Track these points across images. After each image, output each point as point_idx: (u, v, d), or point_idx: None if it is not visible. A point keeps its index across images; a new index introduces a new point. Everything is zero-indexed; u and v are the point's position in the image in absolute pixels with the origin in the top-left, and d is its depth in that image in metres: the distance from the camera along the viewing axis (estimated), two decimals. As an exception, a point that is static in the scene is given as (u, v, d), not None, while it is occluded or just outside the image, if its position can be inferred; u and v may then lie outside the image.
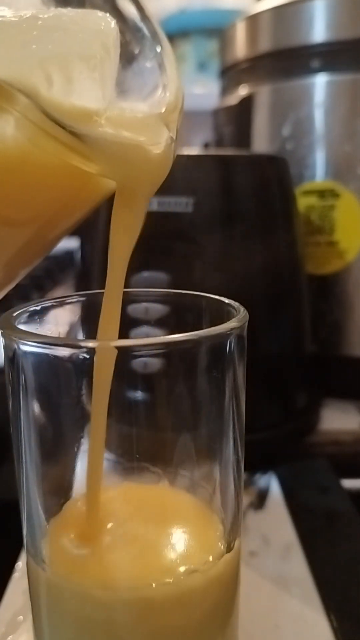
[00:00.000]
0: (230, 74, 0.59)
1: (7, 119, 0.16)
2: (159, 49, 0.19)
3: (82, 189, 0.19)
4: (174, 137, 0.19)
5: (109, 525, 0.22)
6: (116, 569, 0.21)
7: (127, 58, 0.19)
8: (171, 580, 0.20)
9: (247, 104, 0.54)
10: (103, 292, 0.22)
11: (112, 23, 0.18)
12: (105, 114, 0.17)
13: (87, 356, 0.20)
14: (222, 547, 0.22)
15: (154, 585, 0.20)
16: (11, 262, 0.21)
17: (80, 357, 0.20)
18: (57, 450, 0.23)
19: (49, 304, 0.24)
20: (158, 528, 0.23)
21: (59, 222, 0.20)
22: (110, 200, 0.21)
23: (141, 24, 0.19)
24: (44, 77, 0.16)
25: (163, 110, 0.19)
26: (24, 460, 0.22)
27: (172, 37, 1.29)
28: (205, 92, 0.98)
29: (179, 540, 0.22)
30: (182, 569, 0.21)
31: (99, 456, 0.22)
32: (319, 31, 0.49)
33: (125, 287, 0.22)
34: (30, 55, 0.16)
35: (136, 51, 0.19)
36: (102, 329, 0.22)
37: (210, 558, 0.21)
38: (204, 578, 0.21)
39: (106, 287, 0.22)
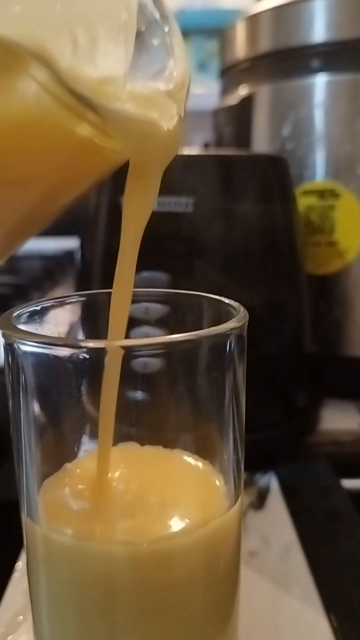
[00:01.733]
0: (230, 74, 0.59)
1: (23, 83, 0.16)
2: (166, 29, 0.19)
3: (90, 160, 0.19)
4: (182, 115, 0.19)
5: (108, 483, 0.22)
6: (112, 523, 0.21)
7: (136, 35, 0.19)
8: (169, 536, 0.20)
9: (247, 104, 0.54)
10: (103, 292, 0.22)
11: None
12: (124, 86, 0.17)
13: (87, 356, 0.20)
14: (224, 502, 0.22)
15: (150, 540, 0.20)
16: (16, 228, 0.20)
17: (80, 357, 0.20)
18: (57, 450, 0.23)
19: (49, 304, 0.24)
20: (157, 486, 0.23)
21: (65, 190, 0.20)
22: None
23: (150, 2, 0.19)
24: (69, 38, 0.16)
25: (171, 87, 0.19)
26: (24, 460, 0.22)
27: (172, 37, 1.29)
28: (205, 92, 0.98)
29: (179, 497, 0.22)
30: (181, 525, 0.21)
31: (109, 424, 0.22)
32: (319, 31, 0.49)
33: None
34: (54, 16, 0.16)
35: (144, 29, 0.19)
36: (113, 318, 0.22)
37: (211, 515, 0.21)
38: (202, 535, 0.21)
39: (116, 274, 0.22)
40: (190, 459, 0.24)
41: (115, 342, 0.20)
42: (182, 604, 0.21)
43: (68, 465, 0.23)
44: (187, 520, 0.21)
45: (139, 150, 0.19)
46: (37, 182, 0.19)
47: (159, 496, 0.22)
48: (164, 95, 0.19)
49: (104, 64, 0.17)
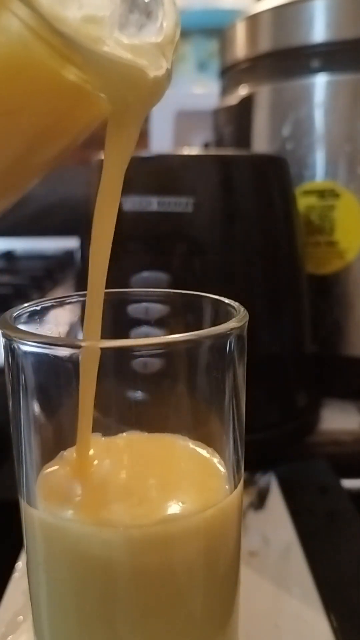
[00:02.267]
0: (230, 74, 0.59)
1: (5, 20, 0.16)
2: None
3: (75, 106, 0.19)
4: (170, 69, 0.19)
5: (107, 468, 0.22)
6: (111, 507, 0.21)
7: None
8: (168, 520, 0.20)
9: (247, 104, 0.54)
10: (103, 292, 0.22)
11: None
12: (111, 30, 0.17)
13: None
14: (224, 488, 0.22)
15: (149, 523, 0.20)
16: (4, 175, 0.20)
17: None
18: (56, 450, 0.23)
19: (49, 304, 0.24)
20: (158, 471, 0.23)
21: (49, 141, 0.20)
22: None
23: None
24: None
25: (160, 40, 0.19)
26: (23, 461, 0.22)
27: (172, 37, 1.29)
28: (205, 92, 0.98)
29: (178, 483, 0.22)
30: (180, 510, 0.21)
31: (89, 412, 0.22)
32: (319, 31, 0.49)
33: (125, 287, 0.22)
34: None
35: None
36: (89, 301, 0.22)
37: (212, 499, 0.21)
38: (201, 520, 0.21)
39: (91, 248, 0.21)
40: (191, 446, 0.23)
41: (115, 342, 0.20)
42: (180, 592, 0.21)
43: (65, 453, 0.23)
44: (186, 505, 0.21)
45: (122, 97, 0.19)
46: (20, 122, 0.18)
47: (159, 482, 0.22)
48: (153, 46, 0.19)
49: (89, 2, 0.17)
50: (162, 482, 0.22)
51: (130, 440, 0.24)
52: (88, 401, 0.22)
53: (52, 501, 0.21)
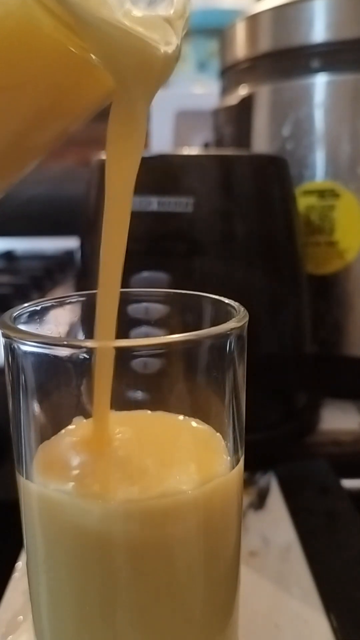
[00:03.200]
0: (230, 74, 0.59)
1: None
2: None
3: (80, 80, 0.18)
4: (179, 45, 0.19)
5: (107, 443, 0.22)
6: (110, 481, 0.21)
7: None
8: (166, 494, 0.20)
9: (247, 104, 0.54)
10: (97, 293, 0.22)
11: None
12: (121, 4, 0.17)
13: (87, 356, 0.20)
14: (225, 466, 0.22)
15: (148, 497, 0.20)
16: (7, 152, 0.19)
17: (80, 357, 0.20)
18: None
19: (49, 304, 0.24)
20: (159, 447, 0.23)
21: (52, 118, 0.19)
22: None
23: None
24: None
25: (171, 13, 0.19)
26: (23, 461, 0.22)
27: (172, 37, 1.29)
28: (205, 92, 0.98)
29: (178, 458, 0.22)
30: (179, 484, 0.21)
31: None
32: (319, 31, 0.49)
33: (125, 287, 0.22)
34: None
35: None
36: (100, 310, 0.21)
37: (211, 475, 0.21)
38: (201, 493, 0.21)
39: (101, 255, 0.21)
40: (193, 424, 0.23)
41: (115, 342, 0.20)
42: (179, 570, 0.21)
43: (63, 431, 0.23)
44: (185, 480, 0.21)
45: (130, 73, 0.18)
46: (23, 97, 0.18)
47: (159, 457, 0.22)
48: (163, 20, 0.18)
49: None
50: (162, 458, 0.22)
51: (131, 417, 0.24)
52: (105, 386, 0.21)
53: (50, 475, 0.21)
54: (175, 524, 0.20)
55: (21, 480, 0.22)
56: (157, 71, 0.19)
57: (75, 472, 0.22)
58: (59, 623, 0.22)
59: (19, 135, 0.19)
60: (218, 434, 0.23)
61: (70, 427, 0.23)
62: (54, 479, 0.21)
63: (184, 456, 0.23)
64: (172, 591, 0.21)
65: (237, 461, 0.22)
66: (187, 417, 0.23)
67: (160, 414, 0.24)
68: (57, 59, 0.17)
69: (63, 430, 0.23)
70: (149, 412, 0.24)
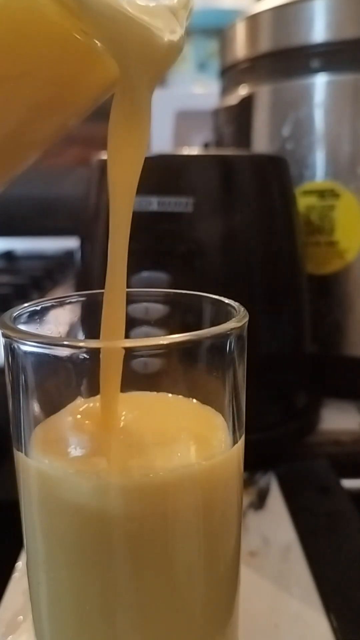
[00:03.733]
0: (230, 74, 0.59)
1: None
2: None
3: (85, 68, 0.18)
4: (183, 35, 0.19)
5: (107, 420, 0.22)
6: (110, 456, 0.21)
7: None
8: (167, 468, 0.20)
9: (247, 104, 0.54)
10: (103, 292, 0.22)
11: None
12: None
13: (87, 356, 0.20)
14: (224, 443, 0.22)
15: (148, 471, 0.20)
16: (11, 142, 0.19)
17: (80, 357, 0.20)
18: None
19: (49, 304, 0.24)
20: (159, 425, 0.23)
21: (56, 107, 0.19)
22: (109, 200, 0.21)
23: None
24: None
25: (175, 2, 0.19)
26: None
27: (172, 37, 1.29)
28: (205, 92, 0.98)
29: (180, 435, 0.22)
30: (180, 459, 0.21)
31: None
32: (319, 31, 0.49)
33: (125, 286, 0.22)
34: None
35: None
36: (107, 312, 0.21)
37: (211, 452, 0.21)
38: (200, 469, 0.20)
39: (109, 255, 0.21)
40: (194, 404, 0.23)
41: (115, 343, 0.20)
42: (178, 548, 0.21)
43: (63, 409, 0.23)
44: (184, 456, 0.21)
45: (135, 60, 0.18)
46: (28, 85, 0.18)
47: (159, 435, 0.22)
48: (166, 10, 0.19)
49: None
50: (162, 435, 0.22)
51: (132, 397, 0.24)
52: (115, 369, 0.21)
53: (49, 451, 0.21)
54: (174, 500, 0.20)
55: (20, 457, 0.22)
56: (161, 58, 0.19)
57: (75, 448, 0.22)
58: (59, 615, 0.22)
59: (22, 125, 0.19)
60: (219, 413, 0.23)
61: (70, 405, 0.23)
62: (53, 455, 0.21)
63: (185, 434, 0.22)
64: (172, 573, 0.21)
65: (238, 439, 0.22)
66: (188, 398, 0.23)
67: (161, 395, 0.23)
68: (61, 46, 0.17)
69: (63, 409, 0.23)
70: (151, 392, 0.24)
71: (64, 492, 0.20)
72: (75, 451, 0.22)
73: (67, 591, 0.21)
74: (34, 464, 0.21)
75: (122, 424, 0.22)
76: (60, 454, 0.21)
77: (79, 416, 0.23)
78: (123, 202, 0.21)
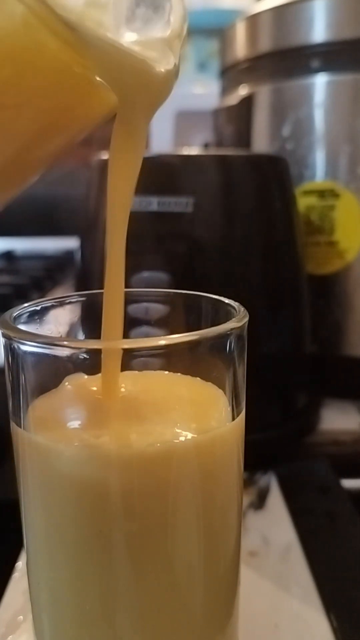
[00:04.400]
0: (230, 74, 0.59)
1: (10, 5, 0.16)
2: None
3: (83, 99, 0.19)
4: (177, 64, 0.19)
5: (107, 394, 0.22)
6: (109, 429, 0.21)
7: None
8: (166, 440, 0.20)
9: (247, 104, 0.54)
10: (103, 292, 0.22)
11: None
12: (114, 15, 0.17)
13: (87, 356, 0.20)
14: (225, 415, 0.22)
15: (146, 443, 0.20)
16: (9, 165, 0.20)
17: (80, 357, 0.20)
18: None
19: (49, 304, 0.24)
20: (159, 400, 0.23)
21: (53, 134, 0.20)
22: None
23: None
24: None
25: (168, 34, 0.19)
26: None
27: (172, 37, 1.29)
28: (205, 92, 0.98)
29: (179, 409, 0.22)
30: (179, 432, 0.20)
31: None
32: (319, 31, 0.49)
33: (125, 287, 0.22)
34: None
35: None
36: (107, 315, 0.21)
37: (212, 424, 0.21)
38: (199, 441, 0.20)
39: (107, 259, 0.21)
40: (194, 380, 0.23)
41: (115, 343, 0.20)
42: (177, 522, 0.20)
43: (61, 385, 0.23)
44: (183, 429, 0.21)
45: (131, 92, 0.19)
46: (26, 114, 0.18)
47: (159, 409, 0.22)
48: (160, 41, 0.19)
49: None
50: (161, 409, 0.22)
51: (132, 374, 0.23)
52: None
53: (47, 424, 0.21)
54: (175, 471, 0.20)
55: (17, 431, 0.21)
56: (157, 89, 0.19)
57: (73, 421, 0.22)
58: (59, 615, 0.22)
59: (22, 150, 0.20)
60: (220, 389, 0.23)
61: (69, 379, 0.23)
62: (51, 428, 0.21)
63: (184, 407, 0.22)
64: (172, 554, 0.21)
65: (238, 414, 0.22)
66: (189, 376, 0.23)
67: (161, 373, 0.23)
68: (61, 79, 0.18)
69: (61, 384, 0.23)
70: (151, 371, 0.24)
71: (63, 465, 0.20)
72: (75, 423, 0.21)
73: (66, 582, 0.21)
74: (33, 438, 0.21)
75: (121, 397, 0.22)
76: (58, 427, 0.21)
77: (79, 389, 0.22)
78: (120, 212, 0.22)
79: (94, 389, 0.22)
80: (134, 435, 0.20)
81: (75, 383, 0.22)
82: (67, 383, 0.22)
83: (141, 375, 0.23)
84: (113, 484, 0.20)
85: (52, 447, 0.20)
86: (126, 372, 0.22)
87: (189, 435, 0.20)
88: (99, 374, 0.21)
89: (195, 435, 0.20)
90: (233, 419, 0.22)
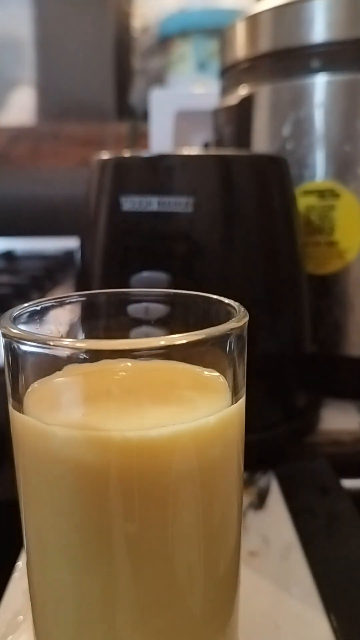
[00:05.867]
0: (230, 74, 0.59)
1: None
2: None
3: None
4: None
5: (107, 383, 0.22)
6: (108, 414, 0.21)
7: None
8: (165, 424, 0.20)
9: (247, 104, 0.54)
10: (103, 292, 0.22)
11: None
12: None
13: (87, 356, 0.20)
14: (226, 401, 0.22)
15: (146, 426, 0.20)
16: None
17: (80, 357, 0.20)
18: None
19: (49, 304, 0.24)
20: (159, 388, 0.22)
21: None
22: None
23: None
24: None
25: None
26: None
27: (172, 37, 1.29)
28: (205, 92, 0.98)
29: (179, 395, 0.22)
30: (179, 416, 0.20)
31: None
32: (319, 31, 0.49)
33: (125, 287, 0.22)
34: None
35: None
36: None
37: (212, 408, 0.21)
38: (199, 425, 0.20)
39: None
40: (192, 366, 0.23)
41: (115, 343, 0.20)
42: (178, 508, 0.20)
43: (61, 369, 0.23)
44: (183, 414, 0.21)
45: None
46: None
47: (159, 395, 0.22)
48: None
49: None
50: (161, 394, 0.22)
51: (132, 363, 0.24)
52: None
53: (47, 408, 0.21)
54: (175, 456, 0.20)
55: (16, 416, 0.21)
56: None
57: (73, 406, 0.21)
58: (59, 615, 0.22)
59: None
60: (221, 376, 0.23)
61: (69, 366, 0.23)
62: (50, 412, 0.21)
63: (184, 392, 0.22)
64: (171, 545, 0.21)
65: (238, 399, 0.22)
66: (190, 364, 0.23)
67: (162, 361, 0.24)
68: None
69: (61, 369, 0.22)
70: (151, 360, 0.24)
71: (63, 450, 0.20)
72: (73, 408, 0.21)
73: (66, 581, 0.21)
74: (30, 421, 0.21)
75: (121, 383, 0.22)
76: (57, 412, 0.21)
77: (76, 375, 0.22)
78: None
79: (94, 374, 0.22)
80: (135, 420, 0.20)
81: (74, 369, 0.22)
82: (67, 368, 0.22)
83: (142, 363, 0.23)
84: (113, 469, 0.20)
85: (51, 432, 0.20)
86: (126, 359, 0.22)
87: (189, 421, 0.20)
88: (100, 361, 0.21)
89: (195, 421, 0.20)
90: (234, 401, 0.22)
